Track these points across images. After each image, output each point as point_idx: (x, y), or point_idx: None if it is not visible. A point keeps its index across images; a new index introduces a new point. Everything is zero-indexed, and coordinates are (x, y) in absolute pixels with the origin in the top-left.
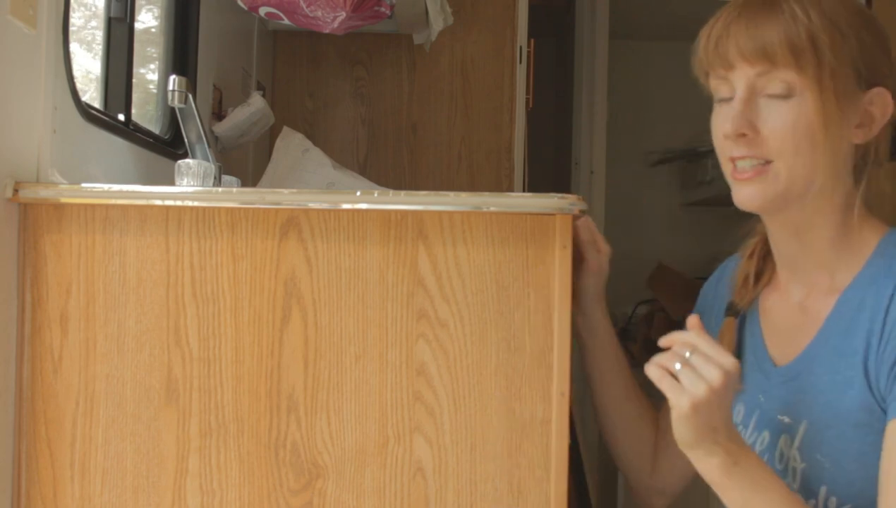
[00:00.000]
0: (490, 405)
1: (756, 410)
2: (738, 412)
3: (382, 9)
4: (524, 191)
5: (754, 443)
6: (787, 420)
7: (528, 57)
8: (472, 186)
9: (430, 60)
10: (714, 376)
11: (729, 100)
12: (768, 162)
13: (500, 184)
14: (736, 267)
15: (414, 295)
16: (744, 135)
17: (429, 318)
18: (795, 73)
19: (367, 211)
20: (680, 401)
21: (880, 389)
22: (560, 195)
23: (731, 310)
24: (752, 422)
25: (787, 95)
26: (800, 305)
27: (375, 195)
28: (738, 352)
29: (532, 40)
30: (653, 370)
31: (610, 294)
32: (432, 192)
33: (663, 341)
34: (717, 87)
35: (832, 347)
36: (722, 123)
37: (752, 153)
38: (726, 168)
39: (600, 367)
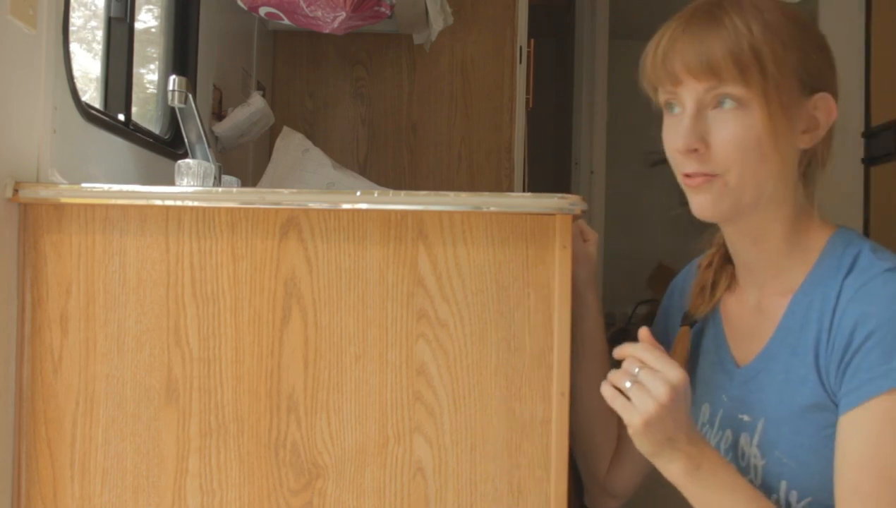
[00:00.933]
0: (490, 405)
1: (720, 410)
2: (704, 412)
3: (382, 9)
4: (524, 191)
5: (719, 442)
6: (746, 418)
7: (528, 57)
8: (472, 186)
9: (430, 60)
10: (661, 392)
11: (678, 113)
12: (716, 174)
13: (500, 184)
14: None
15: (414, 295)
16: (695, 150)
17: (429, 318)
18: (742, 86)
19: (367, 211)
20: (632, 419)
21: (831, 384)
22: (560, 195)
23: (686, 320)
24: (717, 422)
25: (734, 108)
26: (756, 307)
27: (375, 195)
28: (694, 359)
29: (532, 40)
30: (606, 390)
31: (610, 294)
32: (432, 192)
33: (616, 352)
34: (666, 101)
35: (787, 346)
36: (673, 138)
37: (703, 170)
38: (680, 179)
39: (584, 355)
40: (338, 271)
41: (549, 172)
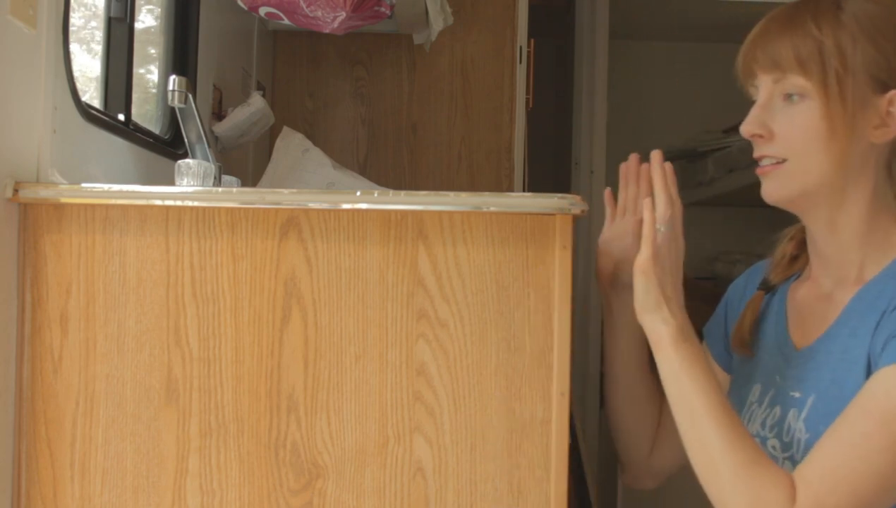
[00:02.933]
0: (490, 405)
1: (771, 389)
2: (755, 392)
3: (382, 9)
4: (524, 191)
5: (765, 419)
6: (797, 394)
7: (528, 57)
8: (472, 186)
9: (430, 60)
10: (674, 245)
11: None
12: (783, 160)
13: (500, 184)
14: (766, 265)
15: (414, 295)
16: (760, 136)
17: (429, 318)
18: (802, 77)
19: (367, 211)
20: (652, 252)
21: (876, 364)
22: (560, 195)
23: (763, 285)
24: (766, 400)
25: (798, 101)
26: (827, 296)
27: (375, 195)
28: (757, 329)
29: (532, 40)
30: (647, 220)
31: None
32: (432, 192)
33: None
34: (750, 92)
35: (849, 328)
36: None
37: (768, 152)
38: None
39: (626, 339)
40: (338, 271)
41: (549, 172)
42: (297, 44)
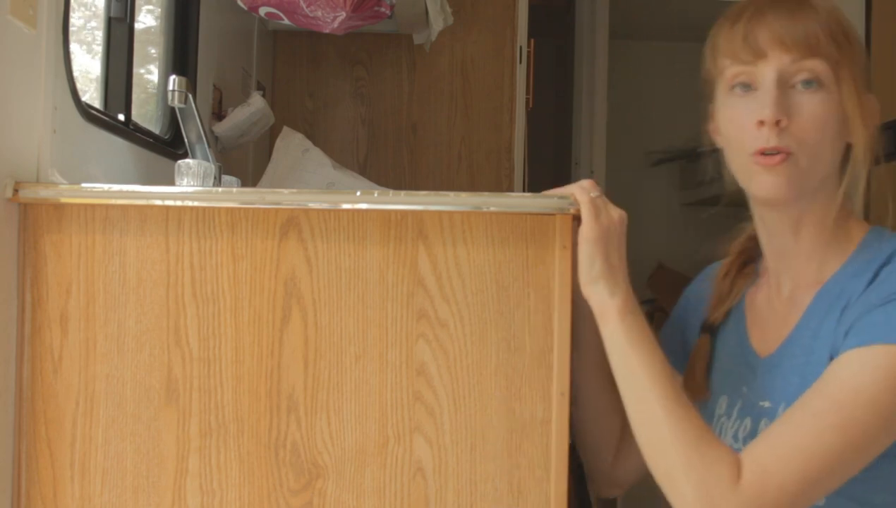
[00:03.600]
0: (490, 405)
1: (738, 401)
2: (721, 404)
3: (382, 9)
4: (524, 191)
5: (736, 431)
6: (767, 404)
7: (528, 57)
8: (472, 186)
9: (430, 60)
10: (616, 214)
11: (749, 89)
12: (790, 153)
13: (500, 184)
14: (713, 278)
15: (414, 295)
16: (779, 121)
17: (429, 318)
18: (828, 64)
19: (367, 211)
20: (594, 224)
21: (838, 353)
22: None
23: (706, 328)
24: (734, 412)
25: (815, 89)
26: (789, 298)
27: (375, 195)
28: (714, 353)
29: (532, 40)
30: (582, 194)
31: None
32: (432, 192)
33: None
34: (736, 77)
35: (810, 330)
36: (751, 112)
37: (782, 144)
38: (746, 159)
39: (588, 350)
40: (338, 271)
41: (549, 172)
42: (297, 44)
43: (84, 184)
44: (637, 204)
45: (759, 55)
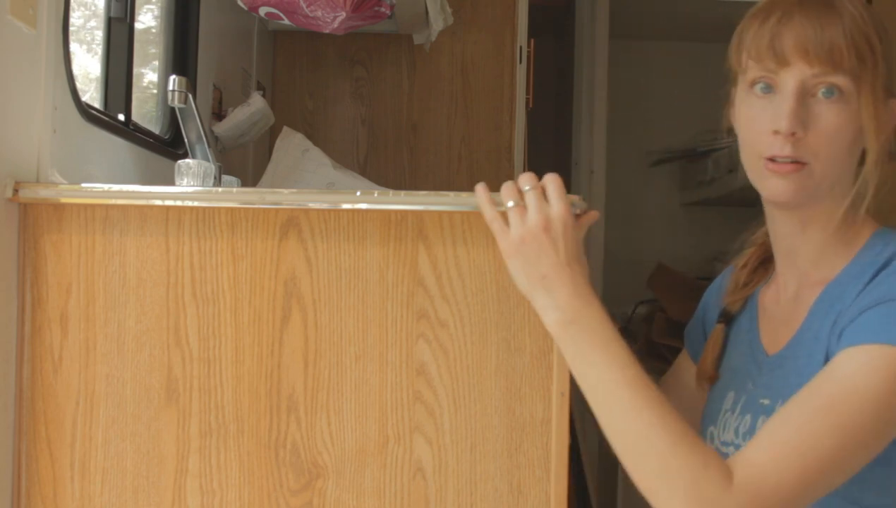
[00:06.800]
0: (490, 405)
1: (743, 396)
2: (729, 399)
3: (382, 9)
4: None
5: (738, 427)
6: (766, 401)
7: (528, 57)
8: (472, 186)
9: (430, 60)
10: (535, 221)
11: (769, 91)
12: (805, 163)
13: (501, 185)
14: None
15: (414, 295)
16: (794, 134)
17: (429, 318)
18: (850, 78)
19: (367, 211)
20: (502, 243)
21: (833, 353)
22: None
23: (722, 317)
24: (738, 408)
25: (836, 99)
26: (795, 296)
27: (375, 195)
28: (726, 349)
29: (532, 40)
30: (488, 210)
31: (610, 294)
32: (432, 192)
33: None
34: (758, 79)
35: (812, 331)
36: (769, 119)
37: (798, 155)
38: (758, 161)
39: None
40: (338, 271)
41: (548, 172)
42: (297, 44)
43: (84, 184)
44: (637, 204)
45: (782, 63)
